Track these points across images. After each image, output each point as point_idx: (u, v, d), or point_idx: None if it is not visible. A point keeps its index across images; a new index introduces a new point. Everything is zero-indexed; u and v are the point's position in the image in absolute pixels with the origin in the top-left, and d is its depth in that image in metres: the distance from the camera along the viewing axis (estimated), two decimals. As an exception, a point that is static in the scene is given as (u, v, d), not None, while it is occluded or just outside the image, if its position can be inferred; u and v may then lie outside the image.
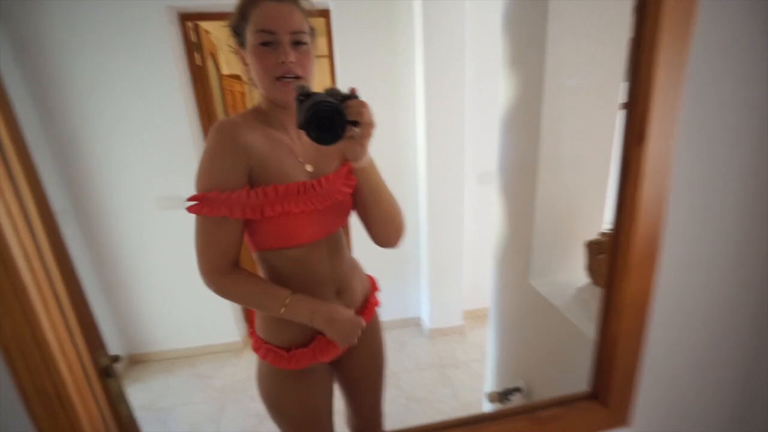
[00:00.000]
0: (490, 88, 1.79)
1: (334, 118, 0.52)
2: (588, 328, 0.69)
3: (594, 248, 0.77)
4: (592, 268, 0.77)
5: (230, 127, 0.61)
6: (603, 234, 0.77)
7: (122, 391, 0.67)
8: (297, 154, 0.67)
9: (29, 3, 1.46)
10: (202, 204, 0.59)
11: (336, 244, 0.72)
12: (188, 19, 1.64)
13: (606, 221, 0.82)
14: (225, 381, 1.84)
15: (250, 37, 0.62)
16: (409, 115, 1.79)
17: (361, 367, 0.82)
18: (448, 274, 1.96)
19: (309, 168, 0.66)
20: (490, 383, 1.21)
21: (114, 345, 1.94)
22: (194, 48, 1.69)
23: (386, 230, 0.72)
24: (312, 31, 0.65)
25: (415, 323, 2.17)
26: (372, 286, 0.82)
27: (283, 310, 0.65)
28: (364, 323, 0.69)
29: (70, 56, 1.52)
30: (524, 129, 0.83)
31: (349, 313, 0.69)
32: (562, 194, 0.83)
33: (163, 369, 1.94)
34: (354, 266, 0.78)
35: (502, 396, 0.93)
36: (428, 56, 1.60)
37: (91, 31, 1.48)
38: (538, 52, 0.72)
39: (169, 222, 1.79)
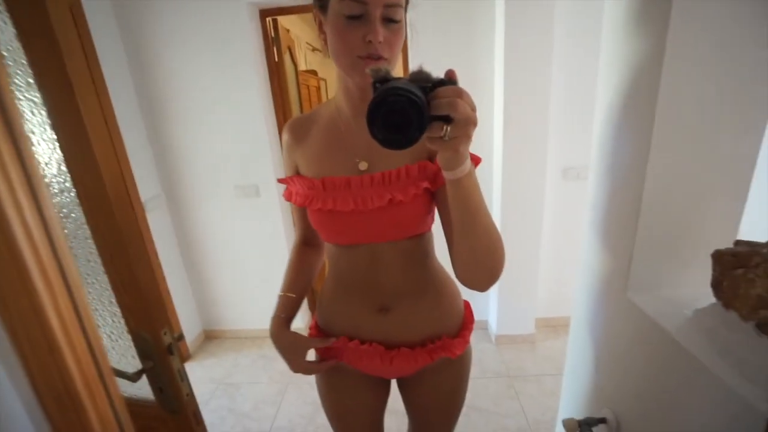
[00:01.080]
0: (584, 70, 1.57)
1: (409, 115, 0.36)
2: (715, 363, 0.54)
3: (727, 261, 0.60)
4: (723, 286, 0.60)
5: (289, 125, 0.69)
6: (739, 243, 0.60)
7: (183, 370, 0.69)
8: (352, 147, 0.60)
9: None
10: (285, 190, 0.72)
11: (387, 257, 0.61)
12: (268, 15, 1.70)
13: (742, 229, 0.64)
14: (286, 365, 1.90)
15: (335, 3, 0.51)
16: (486, 99, 1.65)
17: (429, 396, 0.72)
18: (522, 276, 1.79)
19: (362, 166, 0.58)
20: (566, 406, 1.06)
21: (193, 320, 2.11)
22: (273, 43, 1.74)
23: (471, 272, 0.53)
24: (406, 5, 0.53)
25: (481, 327, 2.04)
26: (465, 321, 0.69)
27: (279, 294, 0.73)
28: (306, 366, 0.69)
29: (163, 48, 1.65)
30: (633, 113, 0.68)
31: (297, 342, 0.68)
32: (679, 192, 0.67)
33: (234, 347, 2.07)
34: (429, 289, 0.64)
35: (582, 425, 0.79)
36: (509, 33, 1.45)
37: (180, 24, 1.59)
38: (660, 18, 0.57)
39: (245, 210, 1.89)
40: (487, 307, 2.00)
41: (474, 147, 0.44)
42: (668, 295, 0.71)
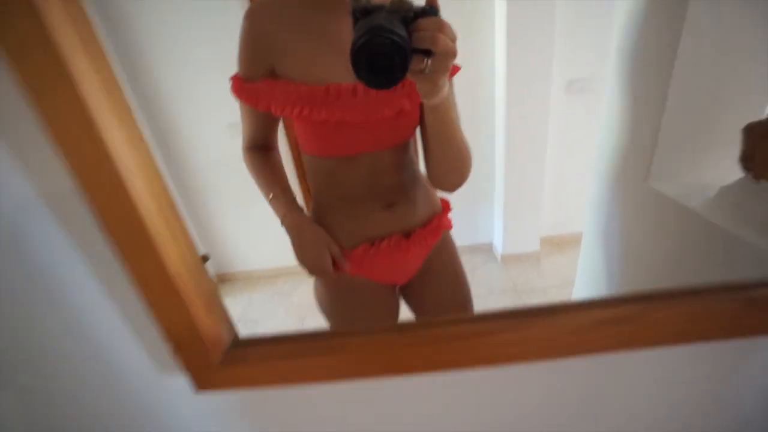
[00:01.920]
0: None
1: (393, 58, 0.36)
2: (741, 231, 0.55)
3: (759, 131, 0.59)
4: (754, 158, 0.60)
5: (253, 14, 0.56)
6: (772, 115, 0.59)
7: (217, 288, 0.70)
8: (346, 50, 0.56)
9: None
10: (233, 87, 0.60)
11: (386, 162, 0.61)
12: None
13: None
14: (302, 299, 1.97)
15: None
16: (486, 9, 1.53)
17: (435, 298, 0.74)
18: (526, 196, 1.80)
19: None
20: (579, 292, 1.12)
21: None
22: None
23: (443, 176, 0.61)
24: None
25: (486, 249, 2.09)
26: (443, 207, 0.73)
27: (270, 197, 0.67)
28: (329, 264, 0.65)
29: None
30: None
31: (323, 237, 0.65)
32: (709, 77, 0.64)
33: (247, 287, 2.13)
34: (417, 180, 0.68)
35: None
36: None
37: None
38: None
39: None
40: (492, 228, 2.03)
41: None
42: (690, 181, 0.71)
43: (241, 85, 0.59)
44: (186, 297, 0.36)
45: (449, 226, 0.75)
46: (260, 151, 0.70)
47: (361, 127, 0.57)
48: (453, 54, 0.40)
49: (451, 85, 0.53)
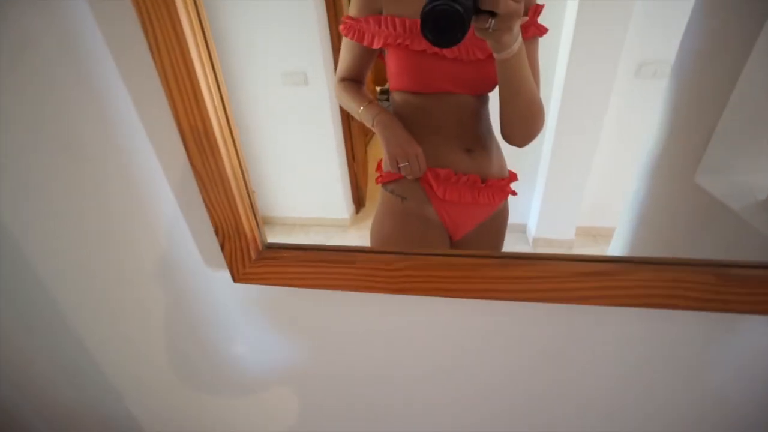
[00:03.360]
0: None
1: (454, 23, 0.43)
2: None
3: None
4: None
5: None
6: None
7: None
8: None
9: None
10: (342, 26, 0.70)
11: (471, 107, 0.67)
12: None
13: None
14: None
15: None
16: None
17: (484, 245, 0.86)
18: (570, 181, 1.74)
19: None
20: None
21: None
22: None
23: (513, 128, 0.69)
24: None
25: (519, 230, 2.07)
26: (510, 176, 0.82)
27: (361, 109, 0.74)
28: (420, 151, 0.70)
29: None
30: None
31: (410, 136, 0.70)
32: None
33: (283, 231, 2.28)
34: (493, 139, 0.74)
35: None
36: None
37: None
38: None
39: (293, 97, 1.90)
40: (528, 210, 2.00)
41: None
42: (741, 181, 0.69)
43: (350, 23, 0.69)
44: (234, 199, 0.45)
45: (514, 192, 0.85)
46: (352, 81, 0.78)
47: (452, 66, 0.64)
48: (517, 15, 0.46)
49: (532, 44, 0.63)
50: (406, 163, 0.73)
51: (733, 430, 0.57)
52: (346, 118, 1.87)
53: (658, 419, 0.61)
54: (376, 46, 0.66)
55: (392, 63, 0.70)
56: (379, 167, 0.83)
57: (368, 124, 0.75)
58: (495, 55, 0.53)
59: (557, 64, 1.63)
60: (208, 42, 0.37)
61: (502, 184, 0.79)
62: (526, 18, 0.58)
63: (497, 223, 0.84)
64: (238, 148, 0.45)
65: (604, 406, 0.64)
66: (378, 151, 0.85)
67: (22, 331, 0.86)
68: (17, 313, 0.83)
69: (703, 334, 0.45)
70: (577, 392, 0.63)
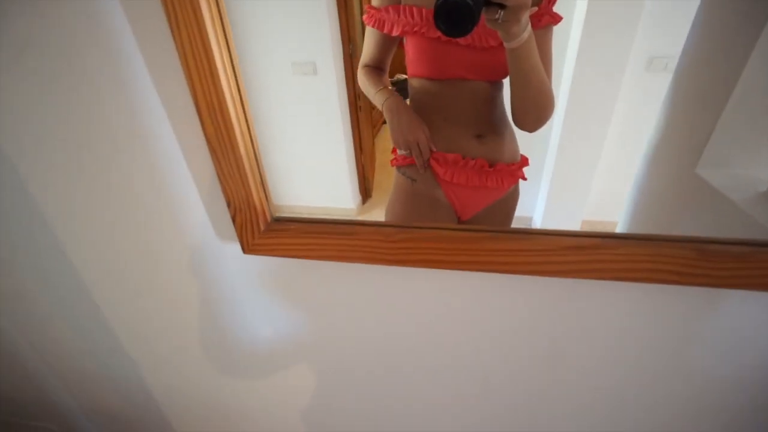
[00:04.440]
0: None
1: (465, 16, 0.46)
2: None
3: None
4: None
5: None
6: None
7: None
8: None
9: None
10: (365, 16, 0.74)
11: (485, 93, 0.71)
12: None
13: None
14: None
15: None
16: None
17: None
18: (577, 175, 1.74)
19: None
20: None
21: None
22: None
23: (523, 115, 0.71)
24: None
25: (524, 222, 2.08)
26: (522, 161, 0.84)
27: (375, 91, 0.78)
28: (424, 138, 0.73)
29: None
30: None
31: (419, 120, 0.73)
32: None
33: (294, 219, 2.31)
34: (506, 125, 0.76)
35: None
36: None
37: None
38: None
39: (302, 87, 1.92)
40: (535, 202, 2.01)
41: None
42: (740, 173, 0.70)
43: (372, 12, 0.72)
44: (246, 173, 0.48)
45: (524, 177, 0.87)
46: (373, 69, 0.81)
47: (466, 52, 0.67)
48: (525, 6, 0.49)
49: (546, 33, 0.66)
50: (408, 151, 0.78)
51: (713, 403, 0.59)
52: (355, 109, 1.90)
53: (644, 393, 0.64)
54: (395, 33, 0.70)
55: (410, 50, 0.73)
56: (394, 150, 0.87)
57: (380, 108, 0.79)
58: (505, 44, 0.57)
59: (566, 56, 1.63)
60: (224, 22, 0.41)
61: (512, 168, 0.82)
62: (536, 8, 0.61)
63: (506, 206, 0.88)
64: (250, 125, 0.48)
65: (590, 379, 0.67)
66: (386, 143, 0.89)
67: (44, 297, 0.92)
68: (40, 280, 0.89)
69: (684, 309, 0.47)
70: (564, 366, 0.66)
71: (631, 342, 0.58)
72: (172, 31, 0.39)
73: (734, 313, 0.48)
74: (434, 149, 0.77)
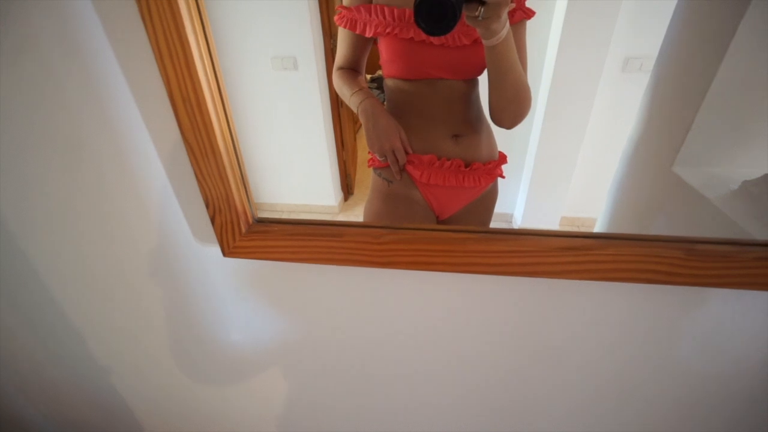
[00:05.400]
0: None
1: (446, 13, 0.45)
2: (753, 227, 0.55)
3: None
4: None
5: None
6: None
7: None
8: None
9: None
10: (336, 17, 0.72)
11: (460, 92, 0.70)
12: None
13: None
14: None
15: None
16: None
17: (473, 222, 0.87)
18: (556, 173, 1.77)
19: None
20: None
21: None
22: None
23: (501, 111, 0.72)
24: None
25: (505, 219, 2.10)
26: (500, 158, 0.85)
27: (351, 94, 0.76)
28: (399, 144, 0.72)
29: None
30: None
31: (395, 123, 0.73)
32: (763, 67, 0.62)
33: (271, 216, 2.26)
34: (483, 123, 0.76)
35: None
36: None
37: None
38: None
39: (282, 82, 1.87)
40: (516, 199, 2.04)
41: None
42: (716, 172, 0.71)
43: (343, 13, 0.71)
44: (225, 171, 0.45)
45: (502, 175, 0.88)
46: (348, 70, 0.79)
47: (439, 52, 0.67)
48: (505, 2, 0.49)
49: (520, 28, 0.66)
50: (384, 158, 0.76)
51: (701, 400, 0.60)
52: (336, 105, 1.86)
53: (634, 390, 0.65)
54: (368, 34, 0.69)
55: (383, 51, 0.72)
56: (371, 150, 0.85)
57: (355, 111, 0.77)
58: (484, 41, 0.56)
59: (546, 56, 1.65)
60: (201, 12, 0.37)
61: (490, 167, 0.82)
62: (513, 4, 0.61)
63: (485, 204, 0.88)
64: (230, 119, 0.45)
65: (580, 378, 0.68)
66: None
67: (5, 305, 0.85)
68: (1, 285, 0.83)
69: (672, 307, 0.48)
70: (554, 366, 0.66)
71: (620, 341, 0.58)
72: (142, 15, 0.36)
73: (719, 311, 0.50)
74: (410, 151, 0.76)
